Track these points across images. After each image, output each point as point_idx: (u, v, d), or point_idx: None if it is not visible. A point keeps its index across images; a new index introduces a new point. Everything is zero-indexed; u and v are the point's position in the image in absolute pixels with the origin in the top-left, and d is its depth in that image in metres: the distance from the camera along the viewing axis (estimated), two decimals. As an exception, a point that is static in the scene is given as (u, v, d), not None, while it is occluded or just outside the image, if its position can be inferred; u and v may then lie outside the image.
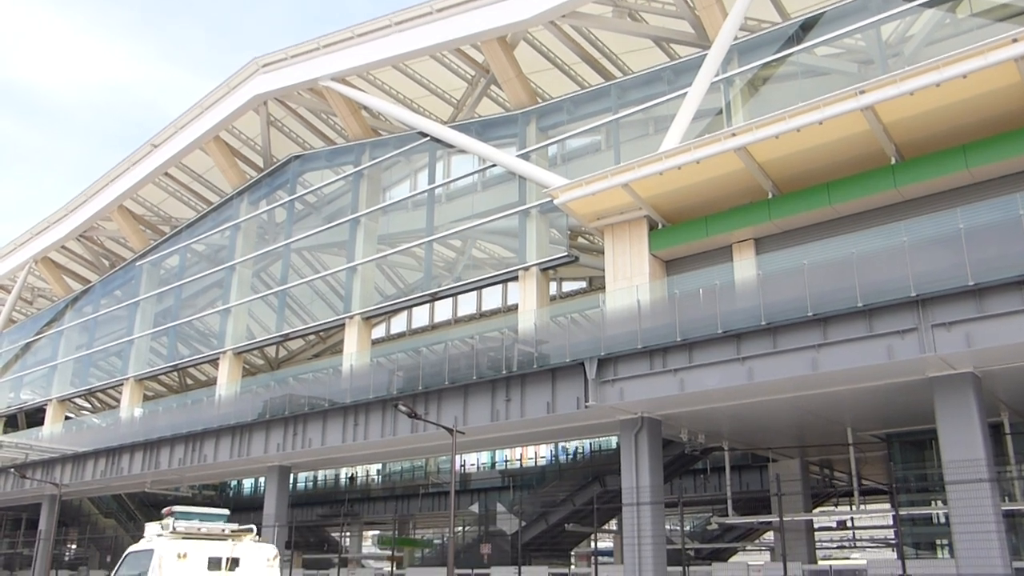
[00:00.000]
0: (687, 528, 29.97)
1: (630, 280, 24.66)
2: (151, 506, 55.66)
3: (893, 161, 21.44)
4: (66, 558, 54.34)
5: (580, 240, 34.19)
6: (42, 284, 54.26)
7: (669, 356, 21.11)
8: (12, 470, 43.44)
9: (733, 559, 40.27)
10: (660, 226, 25.35)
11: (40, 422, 50.89)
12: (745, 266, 22.98)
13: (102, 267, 50.79)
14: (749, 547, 43.21)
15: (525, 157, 30.29)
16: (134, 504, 55.21)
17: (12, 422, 55.47)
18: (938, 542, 26.18)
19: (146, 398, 46.29)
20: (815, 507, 34.22)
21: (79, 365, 49.84)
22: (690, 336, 20.75)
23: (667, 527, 29.21)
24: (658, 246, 25.20)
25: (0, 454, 45.25)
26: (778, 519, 23.00)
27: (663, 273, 25.22)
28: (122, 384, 45.50)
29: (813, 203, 22.61)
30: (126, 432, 40.05)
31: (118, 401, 47.63)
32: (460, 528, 45.86)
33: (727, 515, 29.94)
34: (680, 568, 24.25)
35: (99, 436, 42.10)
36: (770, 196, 23.28)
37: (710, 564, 30.30)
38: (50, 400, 50.36)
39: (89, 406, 56.85)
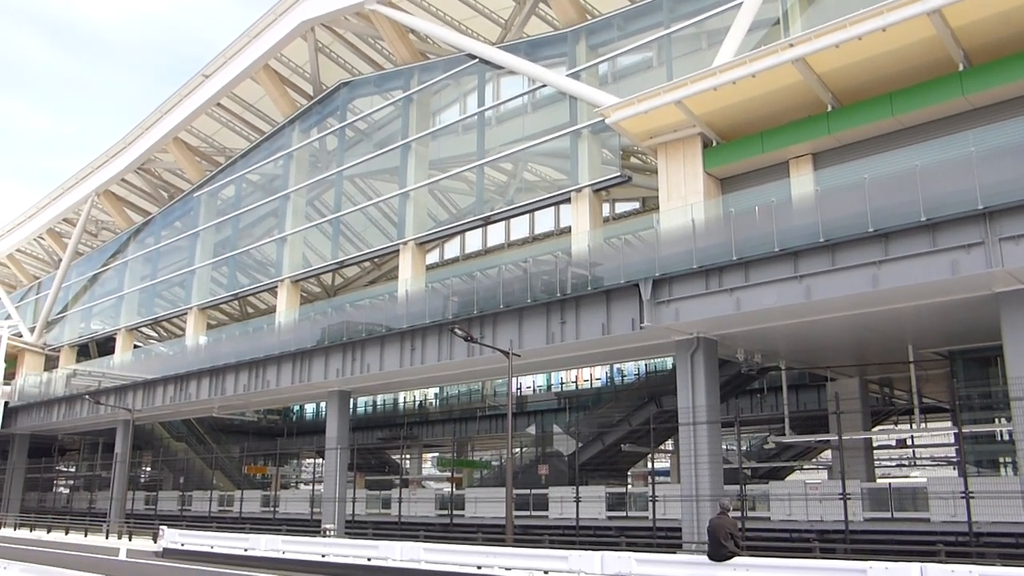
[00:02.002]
0: (743, 447, 29.99)
1: (684, 199, 24.23)
2: (219, 430, 57.87)
3: (961, 68, 20.46)
4: (141, 479, 56.86)
5: (632, 160, 33.64)
6: (105, 217, 55.60)
7: (725, 275, 20.87)
8: (87, 397, 45.33)
9: (790, 478, 40.34)
10: (714, 143, 24.74)
11: (110, 351, 52.76)
12: (802, 182, 22.36)
13: (161, 199, 51.74)
14: (806, 466, 43.17)
15: (575, 76, 29.66)
16: (203, 428, 57.37)
17: (84, 351, 57.57)
18: (1001, 460, 25.83)
19: (209, 326, 47.55)
20: (874, 426, 33.94)
21: (144, 295, 51.29)
22: (746, 255, 20.46)
23: (723, 447, 29.32)
24: (712, 164, 24.64)
25: (75, 381, 47.19)
26: (837, 437, 22.87)
27: (718, 191, 24.73)
28: (186, 313, 46.77)
29: (875, 114, 21.77)
30: (192, 359, 41.34)
31: (183, 330, 49.04)
32: (517, 449, 46.66)
33: (784, 434, 29.87)
34: (736, 487, 24.39)
35: (167, 364, 43.53)
36: (829, 109, 22.48)
37: (767, 483, 30.43)
38: (119, 329, 52.07)
39: (156, 335, 58.70)
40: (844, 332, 23.02)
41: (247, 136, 45.19)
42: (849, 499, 21.20)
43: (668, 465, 49.59)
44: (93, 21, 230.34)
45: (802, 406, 34.96)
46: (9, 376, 56.64)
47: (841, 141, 22.57)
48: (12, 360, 58.03)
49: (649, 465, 45.69)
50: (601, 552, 16.61)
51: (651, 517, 24.52)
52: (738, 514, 20.68)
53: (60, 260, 57.87)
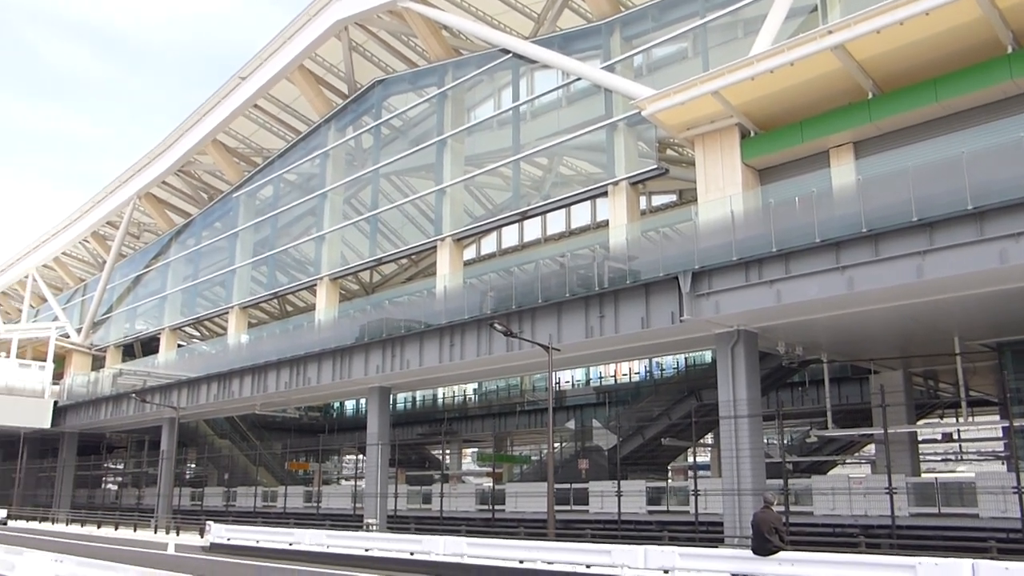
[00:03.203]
0: (785, 441, 29.68)
1: (722, 191, 23.99)
2: (262, 427, 58.57)
3: (1009, 50, 19.96)
4: (187, 476, 57.82)
5: (669, 152, 33.40)
6: (147, 219, 56.48)
7: (765, 267, 20.64)
8: (133, 395, 46.17)
9: (832, 472, 39.86)
10: (752, 134, 24.45)
11: (155, 350, 53.68)
12: (843, 172, 22.02)
13: (201, 200, 52.44)
14: (849, 460, 42.66)
15: (610, 69, 29.50)
16: (246, 425, 58.10)
17: (129, 351, 58.62)
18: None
19: (250, 325, 48.13)
20: (919, 419, 33.41)
21: (187, 295, 52.07)
22: (786, 246, 20.21)
23: (764, 440, 29.02)
24: (751, 155, 24.35)
25: (121, 380, 48.10)
26: (882, 431, 22.52)
27: (756, 182, 24.44)
28: (227, 312, 47.37)
29: (918, 101, 21.34)
30: (234, 358, 41.88)
31: (224, 329, 49.69)
32: (557, 444, 46.67)
33: (827, 428, 29.53)
34: (777, 481, 24.16)
35: (210, 362, 44.14)
36: (870, 96, 22.08)
37: (809, 477, 30.11)
38: (163, 329, 52.92)
39: (198, 334, 59.56)
40: (888, 324, 22.64)
41: (284, 136, 45.62)
42: (895, 494, 20.89)
43: (708, 459, 49.29)
44: (131, 28, 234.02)
45: (844, 399, 34.53)
46: (58, 376, 57.91)
47: (883, 129, 22.18)
48: (60, 360, 59.32)
49: (689, 459, 45.50)
50: (644, 546, 16.53)
51: (693, 511, 24.37)
52: (781, 508, 20.46)
53: (105, 262, 58.92)
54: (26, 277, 66.52)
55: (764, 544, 14.16)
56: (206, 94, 45.80)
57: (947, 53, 20.49)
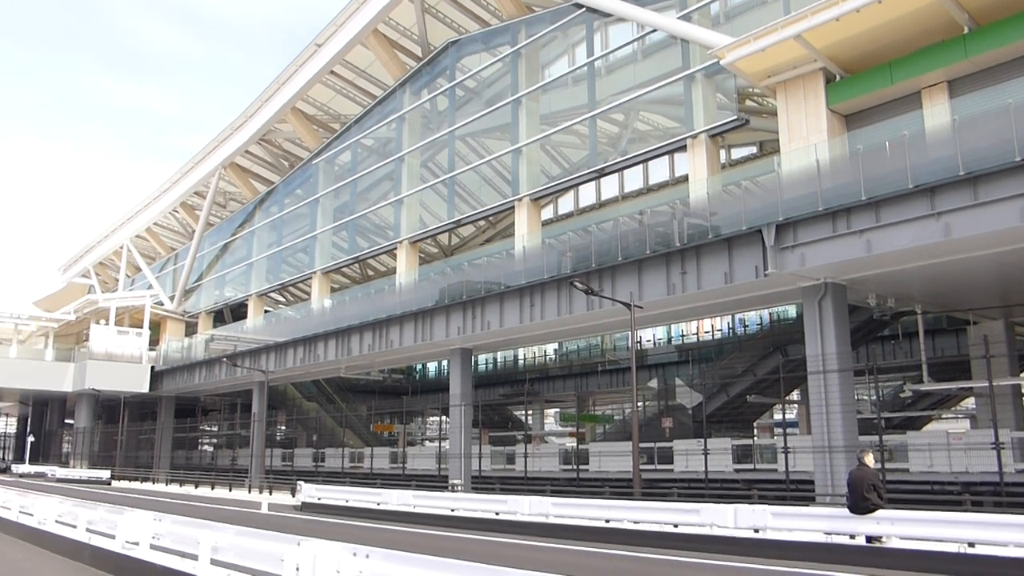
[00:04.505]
0: (877, 397, 28.78)
1: (806, 139, 23.12)
2: (347, 390, 59.89)
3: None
4: (277, 438, 59.63)
5: (748, 103, 32.33)
6: (232, 188, 57.87)
7: (853, 216, 19.86)
8: (224, 360, 47.68)
9: (927, 427, 38.60)
10: (837, 78, 23.41)
11: (243, 316, 55.26)
12: (937, 113, 20.91)
13: (282, 168, 53.36)
14: (945, 415, 41.20)
15: (686, 19, 28.61)
16: (332, 388, 59.52)
17: (219, 317, 60.54)
18: None
19: (332, 290, 48.99)
20: (1022, 371, 31.94)
21: (271, 262, 53.30)
22: (876, 193, 19.39)
23: (855, 396, 28.20)
24: (836, 100, 23.35)
25: (213, 346, 49.75)
26: (984, 384, 21.57)
27: (842, 129, 23.46)
28: (310, 277, 48.31)
29: (1017, 34, 20.01)
30: (319, 322, 42.76)
31: (308, 294, 50.73)
32: (640, 403, 46.40)
33: (922, 382, 28.48)
34: (868, 437, 23.45)
35: (296, 327, 45.20)
36: (965, 31, 20.85)
37: (904, 433, 29.19)
38: (250, 295, 54.38)
39: (283, 299, 61.03)
40: (988, 272, 21.58)
41: (360, 102, 45.89)
42: (1001, 449, 20.04)
43: (795, 416, 48.34)
44: (219, 6, 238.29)
45: (939, 352, 33.26)
46: (154, 342, 60.25)
47: (979, 65, 20.95)
48: (156, 327, 61.69)
49: (776, 416, 44.68)
50: (734, 505, 16.25)
51: (784, 469, 23.89)
52: (877, 466, 19.87)
53: (194, 231, 60.75)
54: (121, 248, 69.22)
55: (862, 502, 13.75)
56: (286, 63, 46.15)
57: (1052, -19, 19.17)
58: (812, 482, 22.22)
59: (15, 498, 19.38)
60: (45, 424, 73.19)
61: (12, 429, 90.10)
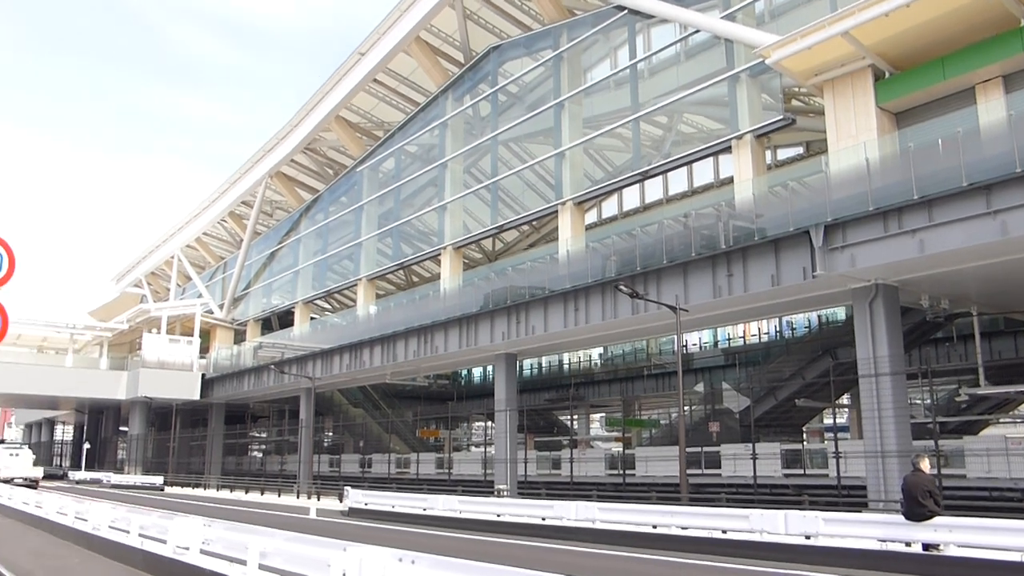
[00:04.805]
0: (931, 400, 28.11)
1: (855, 138, 22.70)
2: (393, 396, 60.19)
3: None
4: (324, 444, 60.15)
5: (794, 103, 31.91)
6: (278, 197, 58.61)
7: (905, 216, 19.42)
8: (272, 367, 48.25)
9: (984, 432, 37.60)
10: (887, 75, 22.96)
11: (290, 323, 55.91)
12: (991, 108, 20.36)
13: (327, 176, 53.92)
14: (1004, 419, 40.09)
15: (730, 18, 28.32)
16: (378, 394, 59.85)
17: (267, 324, 61.29)
18: None
19: (378, 296, 49.36)
20: (1083, 373, 30.99)
21: (317, 269, 53.87)
22: (929, 192, 18.92)
23: (908, 400, 27.59)
24: (886, 97, 22.90)
25: (261, 353, 50.36)
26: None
27: (892, 127, 22.99)
28: (356, 284, 48.71)
29: (1078, 26, 19.50)
30: (364, 329, 43.05)
31: (353, 301, 51.15)
32: (686, 408, 45.97)
33: (978, 385, 27.74)
34: (922, 442, 22.90)
35: (342, 333, 45.56)
36: (1022, 24, 20.30)
37: (959, 438, 28.48)
38: (296, 303, 55.02)
39: (329, 306, 61.61)
40: (1047, 271, 20.97)
41: (403, 109, 46.20)
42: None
43: (846, 420, 47.45)
44: (264, 18, 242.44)
45: (996, 355, 32.40)
46: (204, 350, 61.23)
47: (1037, 60, 20.40)
48: (205, 335, 62.67)
49: (826, 420, 43.89)
50: (784, 511, 15.94)
51: (835, 475, 23.43)
52: (933, 471, 19.39)
53: (241, 240, 61.65)
54: (172, 257, 70.52)
55: (917, 508, 13.39)
56: (330, 72, 46.68)
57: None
58: (864, 487, 21.75)
59: (71, 504, 19.77)
60: (100, 431, 74.82)
61: (69, 437, 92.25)
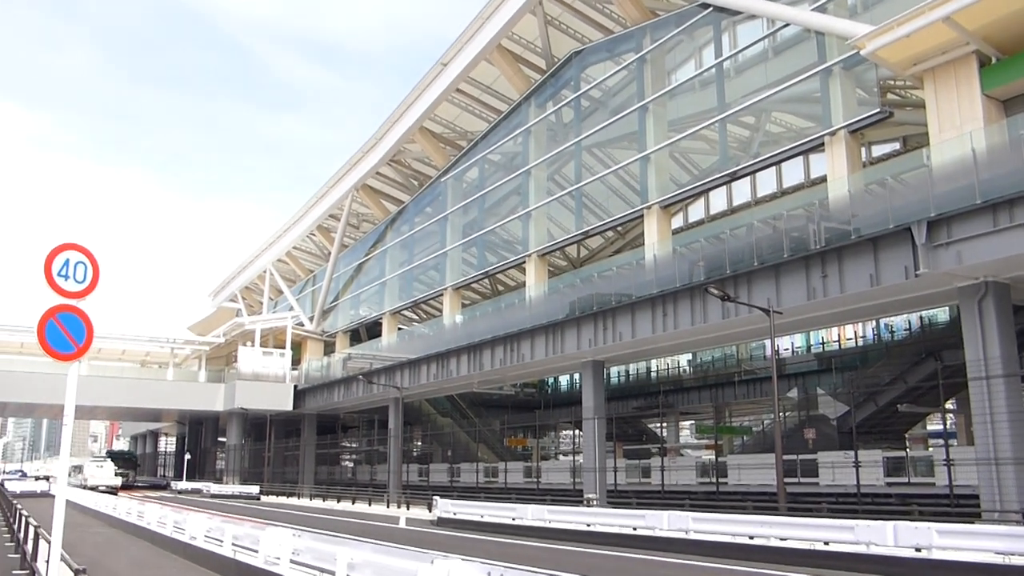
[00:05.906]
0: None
1: (959, 128, 21.55)
2: (480, 405, 60.28)
3: None
4: (414, 453, 60.66)
5: (890, 96, 30.61)
6: (364, 209, 59.50)
7: (1017, 208, 18.31)
8: (361, 377, 48.87)
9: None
10: (993, 60, 21.75)
11: (378, 334, 56.59)
12: (1111, 92, 19.08)
13: (412, 187, 54.46)
14: None
15: (821, 10, 27.32)
16: (465, 403, 60.05)
17: (355, 335, 62.23)
18: None
19: (463, 305, 49.49)
20: None
21: (403, 280, 54.40)
22: (1043, 183, 17.76)
23: None
24: (992, 84, 21.68)
25: (350, 364, 51.13)
26: None
27: (1000, 115, 21.75)
28: (441, 294, 48.96)
29: None
30: (451, 338, 43.18)
31: (439, 310, 51.43)
32: (780, 414, 44.64)
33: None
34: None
35: (429, 343, 45.83)
36: None
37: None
38: (384, 313, 55.65)
39: (416, 317, 62.20)
40: None
41: (486, 118, 46.30)
42: None
43: (952, 426, 45.30)
44: (354, 39, 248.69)
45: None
46: (295, 362, 62.56)
47: None
48: (297, 347, 64.03)
49: (929, 427, 41.98)
50: (892, 522, 15.09)
51: (943, 483, 22.24)
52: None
53: (329, 253, 62.80)
54: (264, 272, 72.40)
55: (1039, 519, 12.48)
56: (411, 86, 47.22)
57: None
58: (975, 496, 20.58)
59: (170, 514, 20.27)
60: (200, 442, 77.25)
61: (171, 448, 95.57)
